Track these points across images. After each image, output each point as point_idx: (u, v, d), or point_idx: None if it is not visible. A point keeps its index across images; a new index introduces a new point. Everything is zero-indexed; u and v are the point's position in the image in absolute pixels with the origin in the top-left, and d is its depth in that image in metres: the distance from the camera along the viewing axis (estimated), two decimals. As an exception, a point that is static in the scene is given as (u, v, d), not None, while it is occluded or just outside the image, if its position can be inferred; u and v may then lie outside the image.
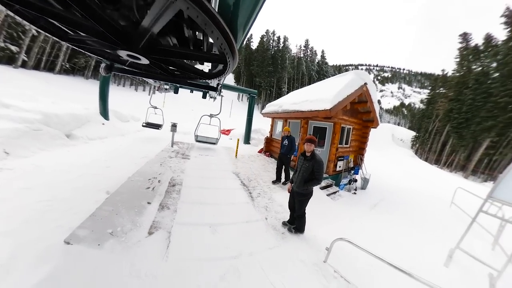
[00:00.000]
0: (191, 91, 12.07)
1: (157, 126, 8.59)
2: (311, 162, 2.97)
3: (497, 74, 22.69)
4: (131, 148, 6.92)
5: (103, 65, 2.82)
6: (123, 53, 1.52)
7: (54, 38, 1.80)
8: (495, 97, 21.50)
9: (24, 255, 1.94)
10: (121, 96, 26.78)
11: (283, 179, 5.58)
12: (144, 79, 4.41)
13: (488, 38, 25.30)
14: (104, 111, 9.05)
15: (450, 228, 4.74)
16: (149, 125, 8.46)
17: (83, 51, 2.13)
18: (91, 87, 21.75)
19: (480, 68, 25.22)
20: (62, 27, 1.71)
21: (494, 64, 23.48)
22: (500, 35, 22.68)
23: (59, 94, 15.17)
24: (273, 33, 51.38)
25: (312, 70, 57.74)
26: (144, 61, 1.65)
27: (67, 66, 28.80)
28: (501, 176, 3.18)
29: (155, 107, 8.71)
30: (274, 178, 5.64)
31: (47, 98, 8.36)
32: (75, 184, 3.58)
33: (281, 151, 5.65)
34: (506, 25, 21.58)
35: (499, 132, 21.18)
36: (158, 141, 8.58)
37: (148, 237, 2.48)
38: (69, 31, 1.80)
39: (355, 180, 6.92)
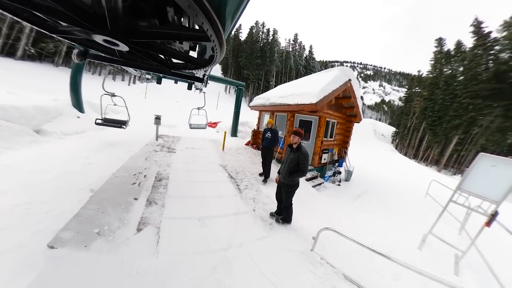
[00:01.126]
0: (176, 82, 11.56)
1: (119, 124, 6.16)
2: (297, 153, 3.05)
3: (462, 78, 25.19)
4: (113, 142, 6.55)
5: (75, 51, 2.56)
6: (98, 38, 1.39)
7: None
8: (459, 98, 23.84)
9: (5, 265, 1.80)
10: (97, 86, 24.91)
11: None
12: (124, 67, 4.10)
13: (459, 45, 27.83)
14: (77, 103, 8.18)
15: (424, 216, 5.17)
16: (106, 122, 5.96)
17: (53, 35, 1.87)
18: (62, 76, 19.87)
19: (450, 71, 27.69)
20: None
21: (461, 68, 25.92)
22: (469, 42, 25.18)
23: (21, 83, 13.63)
24: (263, 25, 50.41)
25: (300, 64, 58.09)
26: (123, 47, 1.53)
27: (32, 51, 24.99)
28: (468, 170, 3.54)
29: (113, 95, 5.84)
30: (261, 170, 5.62)
31: (1, 88, 6.89)
32: (55, 184, 3.33)
33: (263, 144, 5.38)
34: (474, 34, 23.80)
35: (465, 130, 23.63)
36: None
37: (137, 234, 2.42)
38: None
39: (339, 172, 7.23)
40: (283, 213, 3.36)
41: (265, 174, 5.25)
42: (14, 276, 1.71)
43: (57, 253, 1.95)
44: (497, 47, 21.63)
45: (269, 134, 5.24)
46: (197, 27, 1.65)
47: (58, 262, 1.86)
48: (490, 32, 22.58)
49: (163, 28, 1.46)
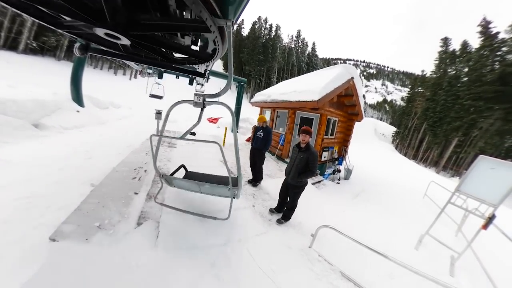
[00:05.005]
0: (177, 77, 11.46)
1: None
2: (306, 153, 2.98)
3: (466, 79, 24.87)
4: (113, 137, 6.56)
5: (77, 44, 2.54)
6: (100, 32, 1.37)
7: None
8: (461, 99, 23.67)
9: (8, 257, 1.83)
10: (98, 80, 24.83)
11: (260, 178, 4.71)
12: (125, 61, 4.07)
13: (465, 45, 27.31)
14: (77, 97, 8.07)
15: (422, 216, 5.19)
16: None
17: (53, 27, 1.85)
18: (64, 70, 19.76)
19: (454, 72, 27.31)
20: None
21: (466, 69, 25.59)
22: (475, 43, 24.77)
23: (22, 76, 13.57)
24: (266, 20, 49.81)
25: (302, 61, 57.58)
26: (125, 41, 1.52)
27: (34, 45, 24.88)
28: (467, 172, 3.55)
29: None
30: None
31: (1, 81, 6.67)
32: (56, 178, 3.35)
33: (253, 145, 4.66)
34: (481, 34, 23.31)
35: (465, 132, 23.53)
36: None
37: (137, 228, 2.45)
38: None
39: (339, 171, 7.23)
40: (286, 212, 3.34)
41: (257, 177, 4.69)
42: (17, 268, 1.74)
43: (58, 245, 1.98)
44: (504, 48, 21.27)
45: (261, 134, 4.51)
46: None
47: (60, 254, 1.89)
48: (498, 33, 22.16)
49: (164, 20, 1.44)
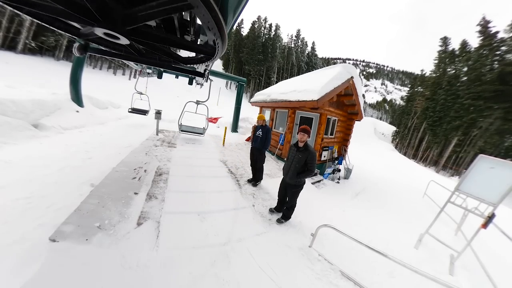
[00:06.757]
0: (176, 77, 11.43)
1: None
2: (305, 153, 2.95)
3: (465, 78, 24.95)
4: (113, 137, 6.56)
5: (76, 44, 2.54)
6: (99, 31, 1.36)
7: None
8: (461, 99, 23.72)
9: (7, 257, 1.83)
10: (98, 80, 24.76)
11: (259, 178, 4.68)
12: (125, 61, 4.08)
13: (464, 44, 27.33)
14: (76, 97, 8.02)
15: (421, 216, 5.21)
16: None
17: (48, 25, 1.83)
18: (63, 70, 19.74)
19: (453, 71, 27.34)
20: None
21: (465, 69, 25.66)
22: (474, 42, 24.85)
23: (21, 76, 13.54)
24: (265, 20, 49.73)
25: (302, 61, 57.53)
26: (124, 41, 1.51)
27: (33, 44, 24.56)
28: (467, 172, 3.56)
29: None
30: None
31: (0, 82, 6.72)
32: (55, 179, 3.35)
33: (253, 144, 4.61)
34: (480, 33, 23.38)
35: (464, 132, 23.57)
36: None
37: (137, 228, 2.44)
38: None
39: (339, 170, 7.23)
40: (285, 211, 3.34)
41: (257, 177, 4.62)
42: (18, 268, 1.73)
43: (58, 246, 1.97)
44: (503, 48, 21.32)
45: (260, 133, 4.46)
46: (199, 22, 1.62)
47: (60, 255, 1.89)
48: (497, 32, 22.22)
49: (159, 5, 1.37)
